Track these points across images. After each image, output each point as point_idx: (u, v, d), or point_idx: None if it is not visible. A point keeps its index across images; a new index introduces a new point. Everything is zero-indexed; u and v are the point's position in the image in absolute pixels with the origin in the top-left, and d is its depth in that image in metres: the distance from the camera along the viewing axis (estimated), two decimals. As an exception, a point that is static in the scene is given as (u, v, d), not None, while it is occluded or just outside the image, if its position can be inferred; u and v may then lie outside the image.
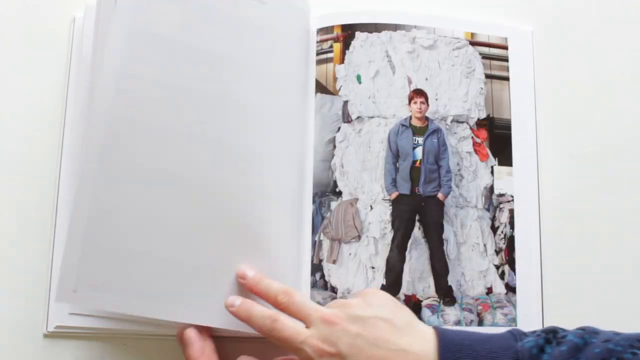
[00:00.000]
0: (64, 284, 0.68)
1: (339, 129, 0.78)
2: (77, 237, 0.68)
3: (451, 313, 0.74)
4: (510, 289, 0.76)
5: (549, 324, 0.75)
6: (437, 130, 0.78)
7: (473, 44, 0.80)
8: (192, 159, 0.71)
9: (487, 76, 0.80)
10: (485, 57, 0.80)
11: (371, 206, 0.76)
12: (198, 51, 0.71)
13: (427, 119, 0.78)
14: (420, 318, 0.74)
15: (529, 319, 0.75)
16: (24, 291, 0.73)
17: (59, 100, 0.78)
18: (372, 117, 0.78)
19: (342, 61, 0.79)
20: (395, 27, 0.79)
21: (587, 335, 0.59)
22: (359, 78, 0.78)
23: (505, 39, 0.80)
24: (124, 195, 0.69)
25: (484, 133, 0.79)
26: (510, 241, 0.77)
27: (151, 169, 0.70)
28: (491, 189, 0.78)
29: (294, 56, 0.77)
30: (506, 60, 0.80)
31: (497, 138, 0.79)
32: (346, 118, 0.78)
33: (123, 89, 0.69)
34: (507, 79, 0.80)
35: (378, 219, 0.76)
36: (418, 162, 0.78)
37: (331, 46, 0.79)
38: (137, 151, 0.69)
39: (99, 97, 0.69)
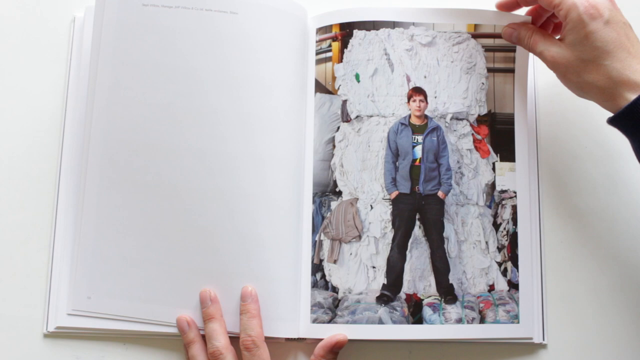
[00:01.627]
0: (78, 292, 0.71)
1: (338, 128, 0.77)
2: (86, 246, 0.73)
3: (453, 311, 0.74)
4: (513, 285, 0.75)
5: (550, 320, 0.75)
6: (436, 128, 0.78)
7: (475, 36, 0.79)
8: (190, 169, 0.73)
9: (490, 70, 0.79)
10: (488, 49, 0.79)
11: (371, 206, 0.76)
12: (180, 70, 0.74)
13: (426, 117, 0.78)
14: (421, 317, 0.74)
15: (531, 316, 0.74)
16: (24, 291, 0.74)
17: (58, 99, 0.78)
18: (371, 116, 0.78)
19: (340, 60, 0.78)
20: (393, 25, 0.78)
21: None
22: (357, 77, 0.78)
23: None
24: (126, 207, 0.73)
25: (484, 129, 0.78)
26: (513, 238, 0.76)
27: (150, 182, 0.73)
28: (493, 186, 0.77)
29: (288, 58, 0.76)
30: (511, 50, 0.79)
31: (498, 133, 0.78)
32: (345, 117, 0.78)
33: (116, 113, 0.74)
34: (511, 70, 0.79)
35: (378, 219, 0.76)
36: (418, 161, 0.77)
37: (330, 45, 0.78)
38: (136, 167, 0.73)
39: (95, 122, 0.74)
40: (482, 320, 0.74)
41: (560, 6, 0.69)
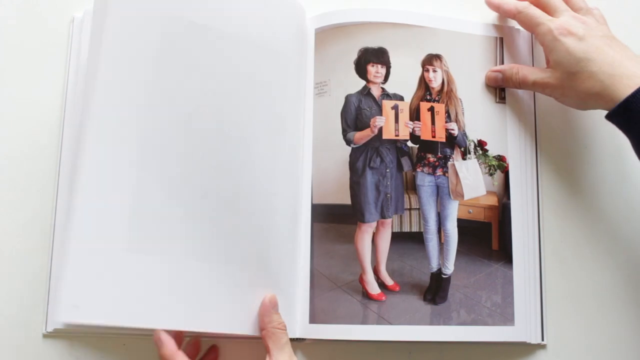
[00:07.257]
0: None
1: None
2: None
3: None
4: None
5: (550, 320, 0.75)
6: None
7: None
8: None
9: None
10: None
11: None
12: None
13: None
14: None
15: (526, 318, 0.75)
16: (24, 291, 0.74)
17: (58, 100, 0.78)
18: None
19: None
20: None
21: None
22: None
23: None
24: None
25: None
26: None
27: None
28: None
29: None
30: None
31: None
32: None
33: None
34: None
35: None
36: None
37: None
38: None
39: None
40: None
41: (537, 31, 0.74)
